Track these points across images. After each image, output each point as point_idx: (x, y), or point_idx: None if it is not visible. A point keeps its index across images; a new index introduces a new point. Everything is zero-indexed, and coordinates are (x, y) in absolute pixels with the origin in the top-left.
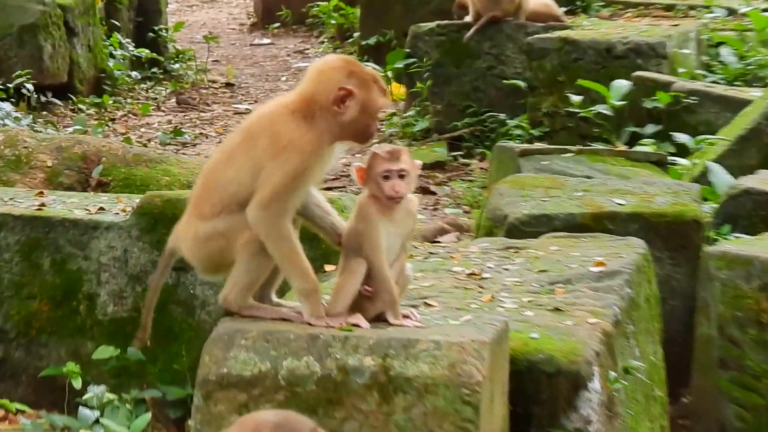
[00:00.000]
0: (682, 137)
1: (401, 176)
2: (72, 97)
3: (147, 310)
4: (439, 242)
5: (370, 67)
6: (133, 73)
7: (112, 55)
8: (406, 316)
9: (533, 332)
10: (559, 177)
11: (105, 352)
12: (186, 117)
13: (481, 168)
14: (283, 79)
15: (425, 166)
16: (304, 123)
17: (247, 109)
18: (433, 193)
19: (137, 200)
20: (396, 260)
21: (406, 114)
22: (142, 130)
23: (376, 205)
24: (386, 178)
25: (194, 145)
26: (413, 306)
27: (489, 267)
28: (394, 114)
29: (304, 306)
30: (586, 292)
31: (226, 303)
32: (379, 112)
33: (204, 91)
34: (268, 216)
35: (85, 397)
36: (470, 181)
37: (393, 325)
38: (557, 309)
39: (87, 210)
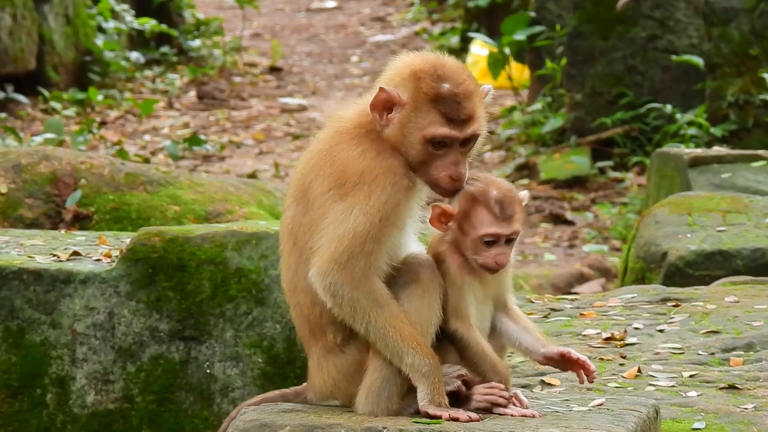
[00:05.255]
0: None
1: (510, 241)
2: (43, 91)
3: None
4: (575, 293)
5: (466, 74)
6: (134, 55)
7: (101, 29)
8: (508, 400)
9: (697, 421)
10: (743, 196)
11: None
12: (210, 117)
13: (641, 185)
14: (354, 59)
15: (559, 184)
16: (374, 146)
17: (300, 105)
18: (570, 223)
19: (127, 240)
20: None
21: (531, 108)
22: (146, 137)
23: (458, 257)
24: (490, 244)
25: (221, 158)
26: (523, 386)
27: (636, 328)
28: (513, 108)
29: (423, 388)
30: None
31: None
32: (435, 144)
33: (237, 79)
34: (349, 280)
35: None
36: (623, 204)
37: (495, 414)
38: (733, 387)
39: (55, 256)
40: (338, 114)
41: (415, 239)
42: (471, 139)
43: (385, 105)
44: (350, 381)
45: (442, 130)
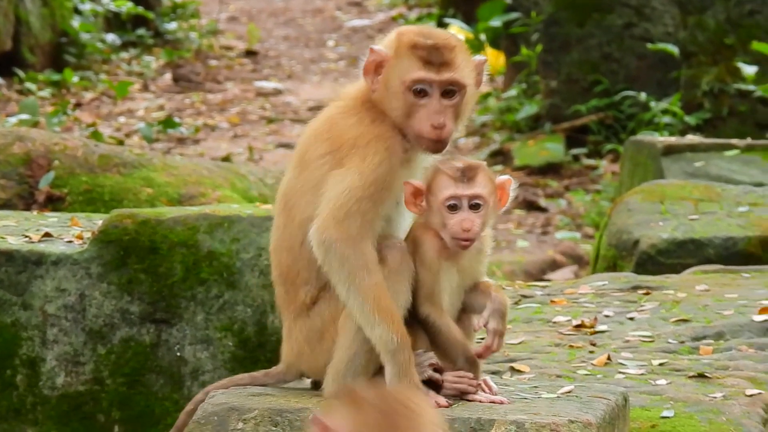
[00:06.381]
0: None
1: (474, 207)
2: (18, 72)
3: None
4: (547, 280)
5: (452, 35)
6: (110, 37)
7: (77, 11)
8: (477, 387)
9: (666, 409)
10: (716, 185)
11: None
12: (185, 100)
13: (615, 172)
14: (331, 44)
15: (533, 171)
16: (369, 114)
17: (276, 89)
18: (543, 210)
19: (100, 222)
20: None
21: (506, 94)
22: (121, 119)
23: (436, 241)
24: (452, 209)
25: (195, 141)
26: (493, 372)
27: (607, 316)
28: (488, 94)
29: (390, 367)
30: (746, 351)
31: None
32: (416, 92)
33: (213, 62)
34: (344, 237)
35: None
36: (597, 191)
37: (464, 400)
38: (702, 375)
39: (27, 237)
40: (342, 91)
41: (410, 218)
42: (452, 88)
43: (375, 67)
44: (312, 348)
45: (419, 73)
